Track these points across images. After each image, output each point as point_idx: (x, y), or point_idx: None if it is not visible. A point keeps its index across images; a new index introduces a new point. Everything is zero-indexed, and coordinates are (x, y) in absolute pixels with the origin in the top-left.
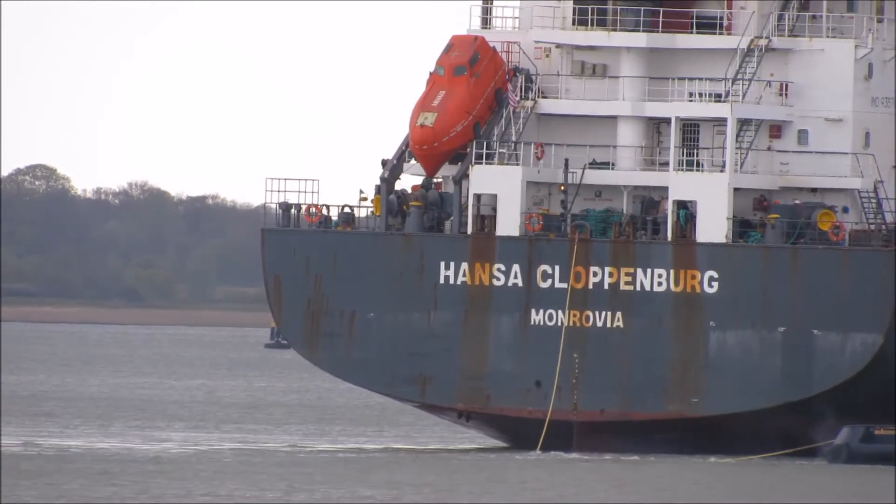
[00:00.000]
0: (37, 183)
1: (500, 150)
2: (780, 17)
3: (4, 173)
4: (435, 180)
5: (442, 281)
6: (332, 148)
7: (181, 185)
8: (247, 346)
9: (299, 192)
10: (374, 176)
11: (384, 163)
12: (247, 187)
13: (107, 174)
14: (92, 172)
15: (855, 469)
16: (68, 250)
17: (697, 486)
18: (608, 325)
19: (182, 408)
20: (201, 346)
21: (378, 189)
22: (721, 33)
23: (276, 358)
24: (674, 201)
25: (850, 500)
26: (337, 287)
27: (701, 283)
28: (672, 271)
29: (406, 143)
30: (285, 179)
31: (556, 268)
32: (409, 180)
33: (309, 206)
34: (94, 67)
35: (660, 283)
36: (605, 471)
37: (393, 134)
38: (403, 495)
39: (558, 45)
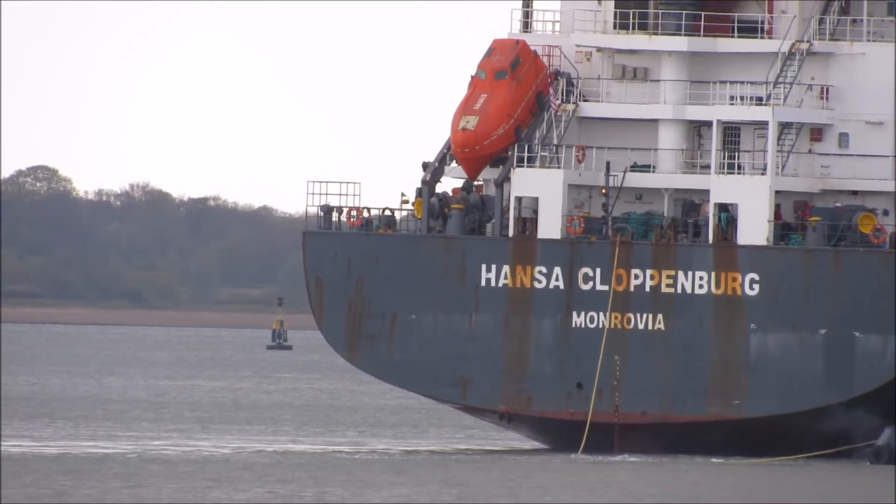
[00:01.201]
0: (38, 184)
1: (542, 154)
2: (821, 21)
3: (6, 174)
4: (475, 183)
5: (483, 283)
6: (374, 151)
7: (183, 186)
8: (255, 347)
9: (340, 194)
10: (415, 179)
11: (425, 166)
12: (249, 189)
13: (108, 176)
14: (94, 174)
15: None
16: (70, 252)
17: (737, 488)
18: (649, 327)
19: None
20: (210, 348)
21: (419, 192)
22: (762, 37)
23: (299, 360)
24: (715, 204)
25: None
26: (378, 289)
27: (742, 285)
28: (713, 274)
29: (448, 147)
30: (327, 182)
31: (598, 270)
32: (448, 183)
33: (350, 209)
34: (96, 68)
35: (701, 286)
36: (676, 472)
37: (434, 137)
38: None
39: (599, 49)
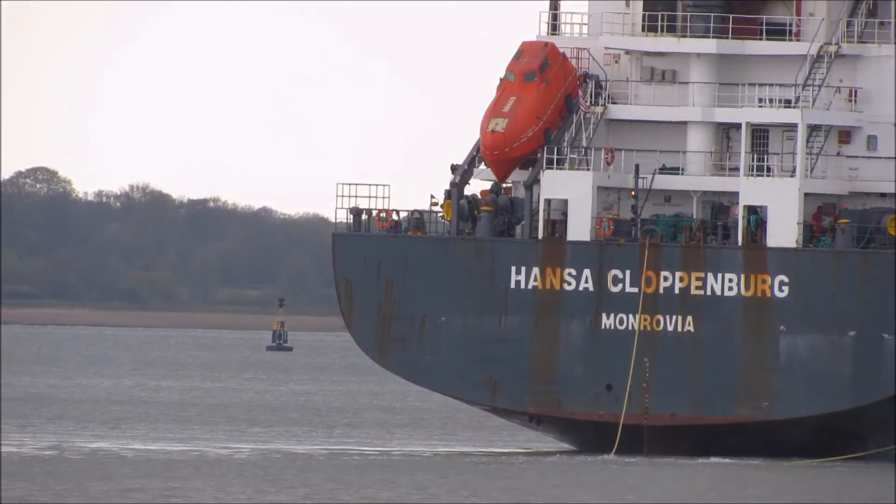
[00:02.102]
0: (38, 186)
1: (571, 156)
2: (849, 24)
3: (6, 176)
4: (503, 185)
5: (513, 285)
6: (403, 153)
7: (182, 187)
8: (255, 349)
9: (370, 197)
10: (444, 181)
11: (454, 168)
12: (249, 190)
13: (108, 177)
14: (93, 175)
15: None
16: (70, 253)
17: (771, 488)
18: (679, 329)
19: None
20: (219, 349)
21: (448, 194)
22: (790, 39)
23: (311, 362)
24: (744, 206)
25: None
26: (408, 291)
27: (771, 287)
28: (742, 276)
29: (477, 149)
30: (356, 185)
31: (627, 272)
32: (477, 185)
33: (380, 212)
34: (96, 69)
35: (730, 288)
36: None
37: (463, 139)
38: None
39: (628, 51)
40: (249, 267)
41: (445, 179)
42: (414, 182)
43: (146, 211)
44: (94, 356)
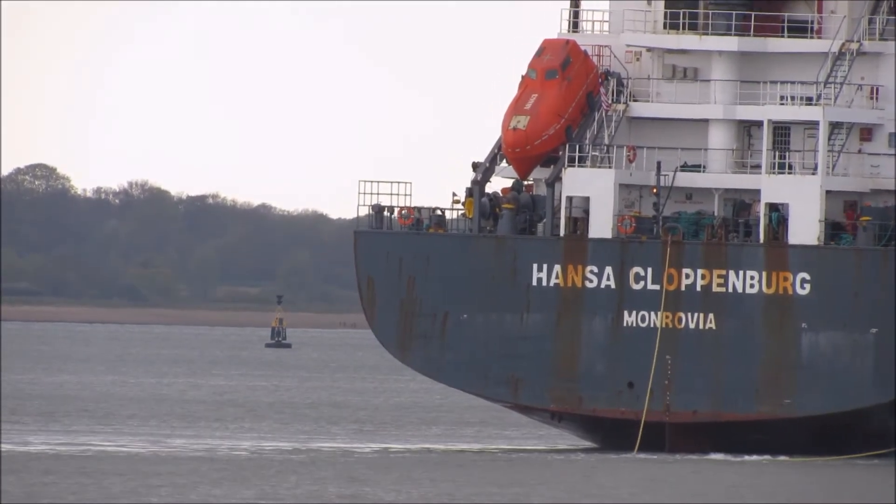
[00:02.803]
0: (37, 182)
1: (593, 153)
2: (871, 21)
3: (4, 173)
4: (524, 182)
5: (534, 283)
6: (425, 151)
7: (181, 184)
8: (253, 345)
9: (391, 194)
10: (465, 178)
11: (475, 165)
12: (248, 187)
13: (107, 174)
14: (92, 172)
15: None
16: (69, 250)
17: (800, 486)
18: (701, 326)
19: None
20: (225, 346)
21: (470, 191)
22: (811, 37)
23: (326, 359)
24: (766, 204)
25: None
26: (430, 289)
27: (793, 284)
28: (764, 273)
29: (498, 146)
30: (378, 182)
31: (649, 270)
32: (498, 183)
33: (401, 209)
34: (94, 66)
35: (752, 285)
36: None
37: (485, 137)
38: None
39: (649, 49)
40: (248, 264)
41: (467, 177)
42: (435, 180)
43: (145, 208)
44: (120, 354)
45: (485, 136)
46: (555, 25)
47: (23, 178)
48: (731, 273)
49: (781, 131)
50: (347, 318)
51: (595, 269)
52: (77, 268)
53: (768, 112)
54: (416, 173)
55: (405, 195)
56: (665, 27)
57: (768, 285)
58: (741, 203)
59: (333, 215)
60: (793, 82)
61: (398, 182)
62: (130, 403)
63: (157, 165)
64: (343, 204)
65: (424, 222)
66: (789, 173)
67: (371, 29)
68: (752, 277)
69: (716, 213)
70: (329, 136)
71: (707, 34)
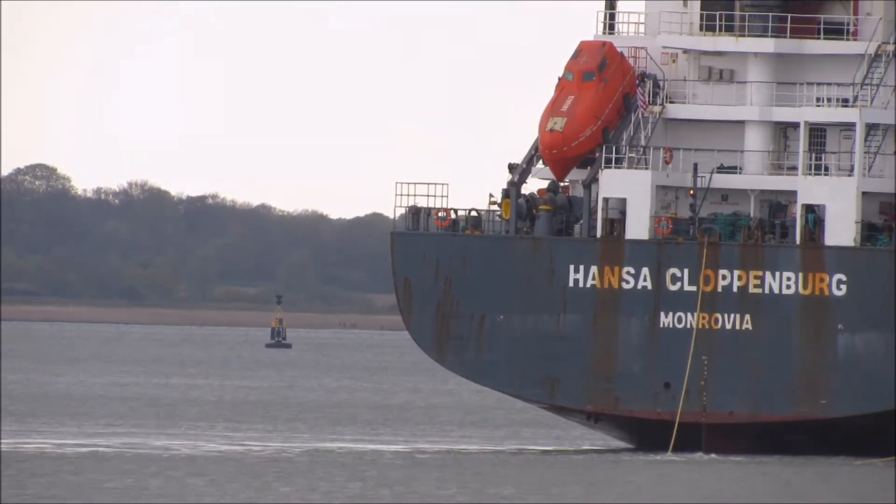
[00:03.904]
0: (37, 182)
1: (630, 155)
2: None
3: (4, 173)
4: (561, 184)
5: (571, 284)
6: (462, 152)
7: (181, 184)
8: (253, 345)
9: (428, 195)
10: (501, 180)
11: (512, 167)
12: (247, 187)
13: (107, 174)
14: (92, 172)
15: None
16: (68, 250)
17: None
18: (737, 327)
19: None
20: (226, 346)
21: (506, 193)
22: (847, 39)
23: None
24: (802, 205)
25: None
26: (466, 290)
27: (829, 285)
28: (800, 274)
29: (535, 148)
30: (415, 184)
31: (686, 271)
32: (534, 184)
33: (438, 210)
34: (95, 66)
35: (788, 286)
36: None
37: (522, 138)
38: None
39: (685, 51)
40: (248, 264)
41: (504, 178)
42: (472, 181)
43: (145, 208)
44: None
45: (522, 138)
46: (591, 27)
47: (23, 178)
48: (768, 274)
49: (817, 133)
50: (347, 318)
51: (632, 271)
52: (77, 268)
53: (804, 114)
54: (452, 175)
55: (442, 196)
56: (701, 29)
57: (805, 286)
58: (777, 204)
59: (333, 215)
60: (829, 84)
61: (434, 184)
62: (193, 405)
63: (156, 165)
64: (343, 204)
65: (461, 224)
66: (825, 175)
67: (409, 30)
68: (788, 278)
69: (752, 215)
70: (329, 136)
71: (743, 36)
